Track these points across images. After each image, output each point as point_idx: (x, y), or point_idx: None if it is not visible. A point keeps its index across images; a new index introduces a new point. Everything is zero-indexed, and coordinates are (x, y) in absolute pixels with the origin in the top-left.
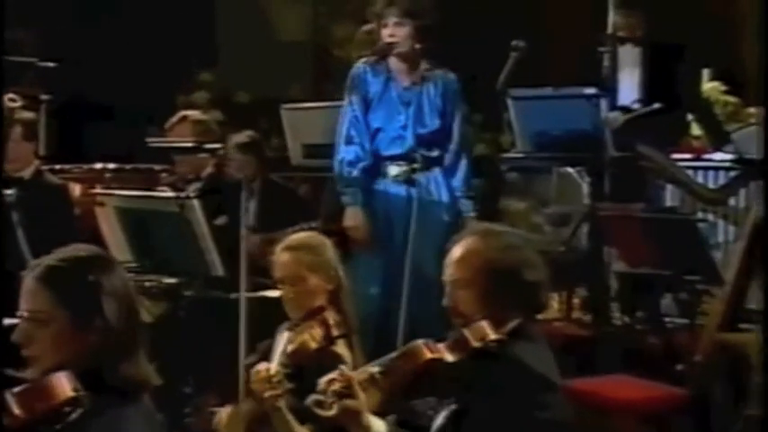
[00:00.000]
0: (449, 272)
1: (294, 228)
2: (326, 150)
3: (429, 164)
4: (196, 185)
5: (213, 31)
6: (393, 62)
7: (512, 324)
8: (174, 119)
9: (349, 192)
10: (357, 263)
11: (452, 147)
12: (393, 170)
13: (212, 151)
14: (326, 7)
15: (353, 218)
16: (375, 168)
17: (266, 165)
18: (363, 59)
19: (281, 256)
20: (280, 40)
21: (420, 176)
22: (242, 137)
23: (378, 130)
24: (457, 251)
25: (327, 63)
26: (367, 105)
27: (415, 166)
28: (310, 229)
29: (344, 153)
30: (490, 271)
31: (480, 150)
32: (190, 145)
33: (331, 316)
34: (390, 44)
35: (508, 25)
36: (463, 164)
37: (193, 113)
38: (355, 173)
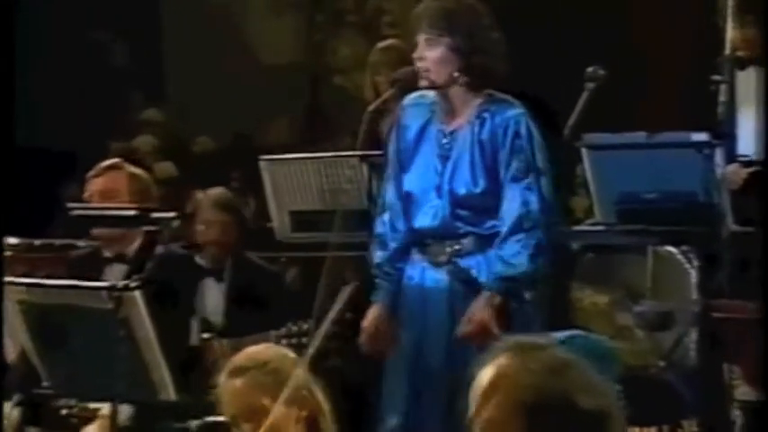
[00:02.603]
0: (474, 409)
1: (277, 331)
2: (324, 220)
3: (478, 243)
4: (136, 272)
5: (160, 50)
6: (438, 98)
7: None
8: (106, 163)
9: (377, 280)
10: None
11: (507, 218)
12: (427, 251)
13: (166, 222)
14: (324, 16)
15: (370, 318)
16: (408, 247)
17: (244, 235)
18: (414, 94)
19: (228, 385)
20: (259, 63)
21: (467, 261)
22: (218, 191)
23: (409, 194)
24: (483, 379)
25: (325, 95)
26: (400, 159)
27: (456, 247)
28: (299, 332)
29: (378, 225)
30: (530, 404)
31: None
32: (131, 213)
33: None
34: (421, 71)
35: (583, 47)
36: (519, 241)
37: (130, 165)
38: (383, 255)
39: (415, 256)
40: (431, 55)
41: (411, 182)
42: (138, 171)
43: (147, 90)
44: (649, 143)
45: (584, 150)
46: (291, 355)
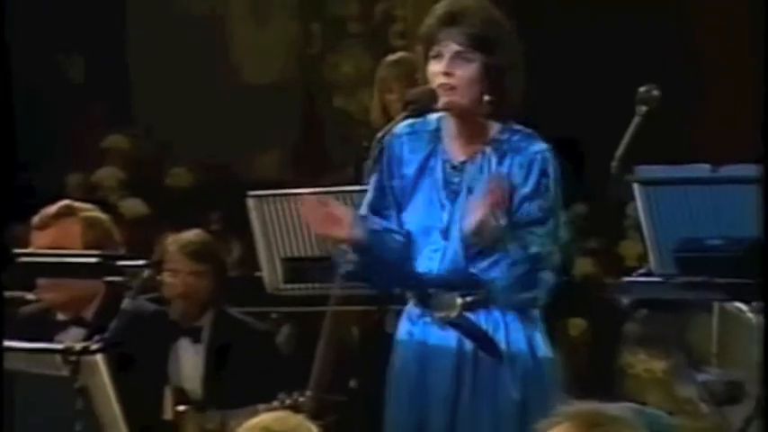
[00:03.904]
0: None
1: (269, 404)
2: (323, 269)
3: (492, 294)
4: (97, 332)
5: (126, 64)
6: (446, 123)
7: None
8: (52, 210)
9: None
10: None
11: (527, 261)
12: (430, 304)
13: (134, 271)
14: (322, 25)
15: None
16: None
17: (224, 287)
18: (409, 120)
19: None
20: (244, 81)
21: (478, 315)
22: (190, 234)
23: (410, 236)
24: None
25: (324, 119)
26: (396, 197)
27: (468, 298)
28: (292, 405)
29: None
30: None
31: (583, 268)
32: (93, 260)
33: None
34: (444, 89)
35: (632, 64)
36: (542, 278)
37: (83, 206)
38: None
39: (414, 309)
40: (463, 73)
41: (410, 221)
42: (93, 214)
43: (111, 113)
44: (714, 178)
45: (636, 186)
46: (313, 427)
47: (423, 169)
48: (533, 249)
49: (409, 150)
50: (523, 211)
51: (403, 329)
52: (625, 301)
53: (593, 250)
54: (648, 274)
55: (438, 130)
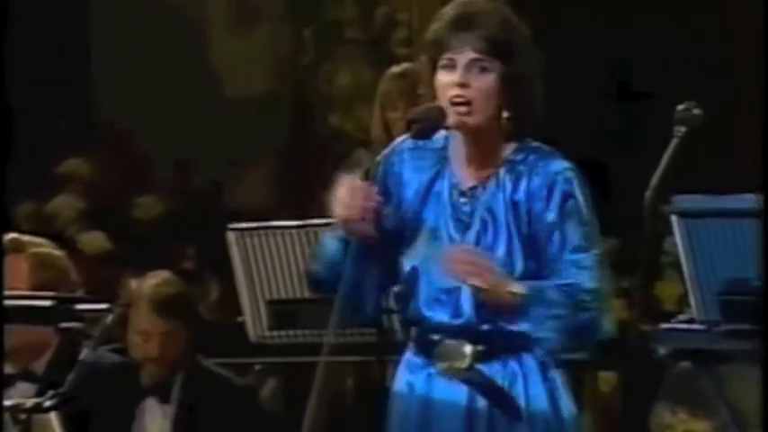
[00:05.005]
0: None
1: None
2: (314, 313)
3: (509, 344)
4: (51, 386)
5: (87, 74)
6: (454, 142)
7: None
8: None
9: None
10: None
11: (557, 307)
12: (435, 354)
13: (94, 316)
14: (315, 31)
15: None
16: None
17: (197, 340)
18: (409, 136)
19: None
20: (225, 95)
21: (493, 367)
22: (158, 280)
23: (414, 272)
24: None
25: (317, 138)
26: (397, 226)
27: (479, 348)
28: None
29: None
30: None
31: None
32: (46, 303)
33: None
34: (457, 103)
35: (668, 79)
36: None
37: (33, 240)
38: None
39: (416, 358)
40: (480, 85)
41: (414, 255)
42: (45, 250)
43: (69, 131)
44: (762, 210)
45: (674, 219)
46: None
47: (427, 194)
48: (586, 285)
49: (411, 169)
50: (556, 241)
51: (401, 381)
52: (663, 351)
53: (625, 291)
54: (689, 320)
55: (445, 148)
